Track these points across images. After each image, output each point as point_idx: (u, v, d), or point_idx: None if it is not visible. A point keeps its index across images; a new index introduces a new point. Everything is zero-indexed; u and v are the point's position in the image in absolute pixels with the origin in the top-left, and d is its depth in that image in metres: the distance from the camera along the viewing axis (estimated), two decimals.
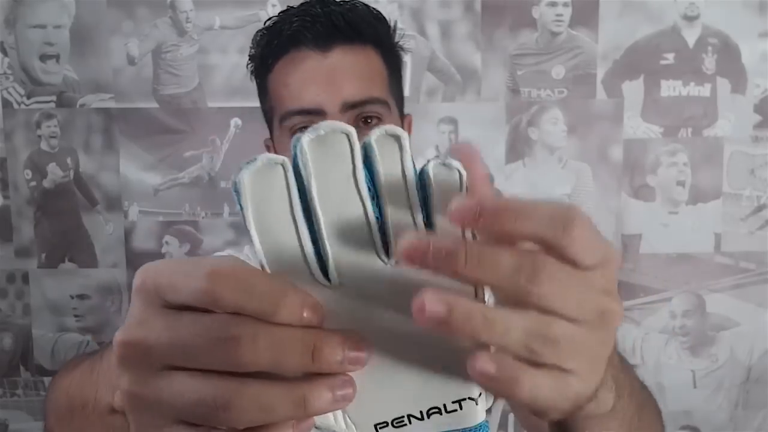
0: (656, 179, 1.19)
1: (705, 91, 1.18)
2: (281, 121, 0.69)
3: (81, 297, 1.23)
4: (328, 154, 0.25)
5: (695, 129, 1.18)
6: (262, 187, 0.25)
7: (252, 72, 0.75)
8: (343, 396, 0.24)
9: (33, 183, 1.21)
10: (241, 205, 0.25)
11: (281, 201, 0.25)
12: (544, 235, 0.23)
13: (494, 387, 0.25)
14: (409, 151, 0.26)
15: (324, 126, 0.25)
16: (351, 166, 0.25)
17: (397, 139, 0.26)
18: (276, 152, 0.71)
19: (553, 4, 1.17)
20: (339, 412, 0.27)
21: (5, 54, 1.19)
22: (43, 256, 1.23)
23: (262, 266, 0.25)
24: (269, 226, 0.25)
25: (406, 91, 1.16)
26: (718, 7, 1.16)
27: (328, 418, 0.26)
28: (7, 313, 1.24)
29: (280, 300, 0.23)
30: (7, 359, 1.24)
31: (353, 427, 0.27)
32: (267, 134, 0.78)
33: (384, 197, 0.26)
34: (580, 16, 1.17)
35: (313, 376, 0.24)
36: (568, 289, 0.24)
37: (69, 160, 1.21)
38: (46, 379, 1.24)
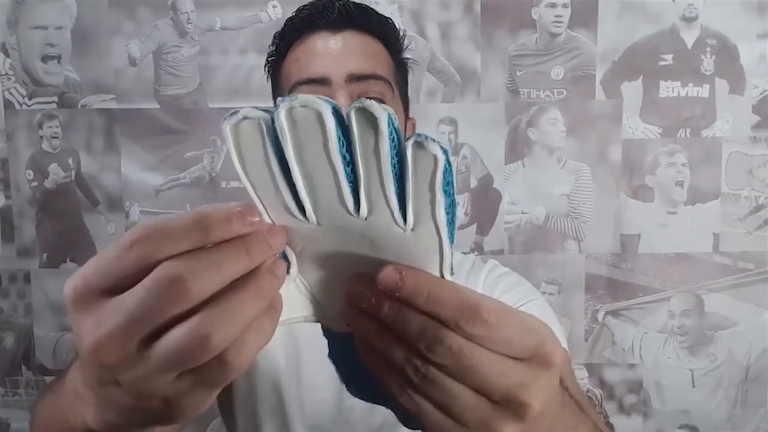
0: (655, 179, 1.20)
1: (703, 91, 1.18)
2: (289, 94, 0.69)
3: None
4: (302, 125, 0.26)
5: (694, 129, 1.19)
6: (243, 138, 0.26)
7: (268, 71, 0.75)
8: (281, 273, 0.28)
9: (35, 183, 1.22)
10: (228, 149, 0.27)
11: (260, 152, 0.27)
12: (447, 319, 0.26)
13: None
14: (385, 130, 0.25)
15: (301, 99, 0.26)
16: (322, 138, 0.26)
17: (372, 117, 0.25)
18: None
19: (553, 5, 1.17)
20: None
21: (7, 55, 1.20)
22: (45, 256, 1.23)
23: (259, 199, 0.28)
24: (252, 169, 0.27)
25: None
26: (717, 8, 1.16)
27: None
28: (9, 312, 1.24)
29: (203, 222, 0.25)
30: (8, 359, 1.25)
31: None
32: None
33: (358, 165, 0.26)
34: (579, 17, 1.17)
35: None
36: (468, 363, 0.26)
37: (70, 161, 1.21)
38: (48, 379, 1.24)
